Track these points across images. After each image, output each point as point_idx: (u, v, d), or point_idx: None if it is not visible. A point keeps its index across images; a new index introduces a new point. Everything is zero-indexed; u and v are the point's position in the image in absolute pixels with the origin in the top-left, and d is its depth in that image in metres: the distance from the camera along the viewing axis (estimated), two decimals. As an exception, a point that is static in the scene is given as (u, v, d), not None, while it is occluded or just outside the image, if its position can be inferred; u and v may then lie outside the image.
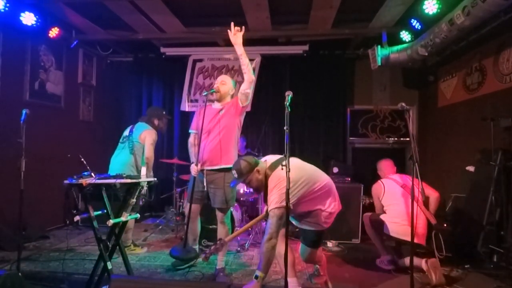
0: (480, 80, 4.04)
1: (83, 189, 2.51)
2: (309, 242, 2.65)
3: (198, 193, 3.04)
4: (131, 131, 3.77)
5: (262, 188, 2.47)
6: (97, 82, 5.57)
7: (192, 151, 3.10)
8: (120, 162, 3.64)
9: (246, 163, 2.40)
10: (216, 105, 3.10)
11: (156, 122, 3.83)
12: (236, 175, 2.44)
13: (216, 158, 2.95)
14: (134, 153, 3.66)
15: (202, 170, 2.96)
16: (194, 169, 2.95)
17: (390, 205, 3.37)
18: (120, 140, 3.83)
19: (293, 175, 2.06)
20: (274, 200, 2.27)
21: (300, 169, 2.44)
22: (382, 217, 3.35)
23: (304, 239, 2.69)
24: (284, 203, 2.13)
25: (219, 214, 3.05)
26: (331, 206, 2.54)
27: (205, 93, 3.03)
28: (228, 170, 2.79)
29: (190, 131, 3.19)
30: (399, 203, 3.28)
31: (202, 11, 4.51)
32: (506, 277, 3.01)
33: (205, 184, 2.96)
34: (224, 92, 3.07)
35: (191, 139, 3.16)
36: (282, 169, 2.15)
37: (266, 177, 2.42)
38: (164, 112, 4.04)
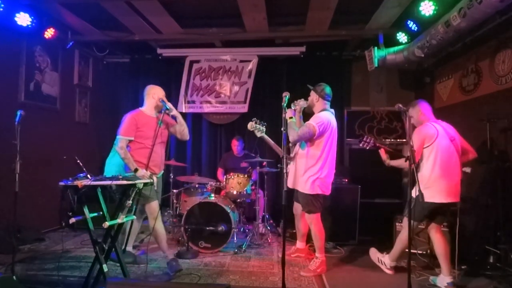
0: (476, 82, 4.06)
1: (79, 191, 2.49)
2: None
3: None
4: None
5: (310, 109, 3.41)
6: (93, 84, 5.54)
7: (129, 157, 3.06)
8: (114, 164, 3.61)
9: (322, 88, 3.35)
10: (153, 114, 3.23)
11: None
12: (313, 87, 3.34)
13: (162, 164, 3.35)
14: None
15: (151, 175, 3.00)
16: (147, 174, 2.95)
17: (436, 159, 2.84)
18: (114, 143, 3.81)
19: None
20: (315, 121, 3.18)
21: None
22: (424, 184, 2.75)
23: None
24: (316, 128, 3.13)
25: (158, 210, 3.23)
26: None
27: (166, 108, 3.15)
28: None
29: (124, 137, 3.11)
30: (449, 159, 2.86)
31: (199, 12, 4.50)
32: (502, 277, 3.02)
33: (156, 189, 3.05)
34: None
35: (124, 144, 3.10)
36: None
37: (318, 110, 3.33)
38: None
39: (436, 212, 2.97)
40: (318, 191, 3.21)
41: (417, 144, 2.87)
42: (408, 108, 2.90)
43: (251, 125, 3.53)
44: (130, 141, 3.12)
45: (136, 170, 2.98)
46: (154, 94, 3.23)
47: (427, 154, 2.90)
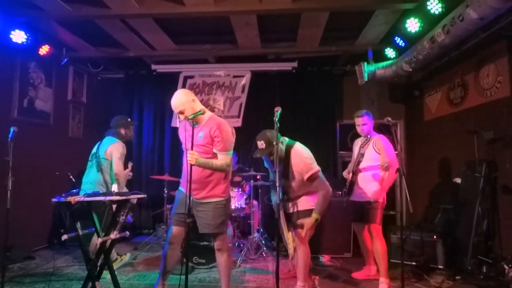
0: (463, 95, 4.18)
1: (72, 207, 2.48)
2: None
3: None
4: (98, 147, 3.55)
5: (282, 160, 2.71)
6: (88, 99, 5.56)
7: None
8: (90, 182, 3.43)
9: (272, 133, 2.61)
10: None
11: (123, 131, 3.63)
12: (264, 146, 2.64)
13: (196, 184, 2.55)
14: (102, 170, 3.43)
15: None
16: None
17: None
18: (89, 159, 3.59)
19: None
20: (311, 165, 2.73)
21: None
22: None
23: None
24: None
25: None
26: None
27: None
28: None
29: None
30: None
31: (192, 29, 4.60)
32: (495, 287, 3.04)
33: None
34: (189, 114, 2.50)
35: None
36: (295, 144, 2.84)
37: (287, 150, 2.79)
38: (129, 120, 3.79)
39: None
40: None
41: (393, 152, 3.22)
42: (362, 115, 3.39)
43: None
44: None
45: None
46: None
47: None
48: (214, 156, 2.56)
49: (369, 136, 3.42)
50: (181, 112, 2.53)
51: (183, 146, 2.65)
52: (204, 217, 2.60)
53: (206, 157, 2.52)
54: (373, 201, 3.22)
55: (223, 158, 2.55)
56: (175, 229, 2.64)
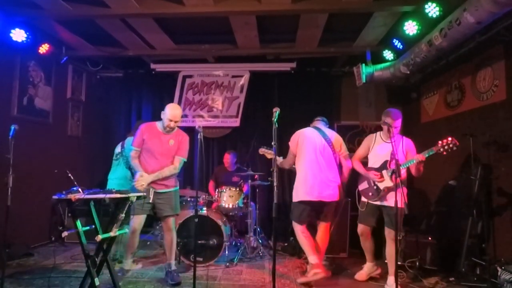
0: (460, 98, 4.22)
1: (72, 205, 2.51)
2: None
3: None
4: (122, 146, 3.89)
5: None
6: (86, 98, 5.57)
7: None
8: (118, 177, 3.78)
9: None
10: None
11: None
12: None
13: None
14: (130, 167, 3.77)
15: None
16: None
17: None
18: (114, 158, 3.93)
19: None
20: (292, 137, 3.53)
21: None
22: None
23: None
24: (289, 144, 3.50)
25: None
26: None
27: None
28: None
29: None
30: None
31: (192, 29, 4.62)
32: (488, 289, 3.08)
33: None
34: (177, 124, 3.33)
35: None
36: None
37: None
38: None
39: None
40: (295, 199, 3.39)
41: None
42: (399, 117, 3.20)
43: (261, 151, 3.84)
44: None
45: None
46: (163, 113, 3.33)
47: None
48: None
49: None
50: (176, 122, 3.23)
51: (154, 148, 3.23)
52: (166, 203, 3.27)
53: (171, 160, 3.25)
54: (403, 208, 2.97)
55: (178, 161, 3.28)
56: (138, 218, 3.21)
